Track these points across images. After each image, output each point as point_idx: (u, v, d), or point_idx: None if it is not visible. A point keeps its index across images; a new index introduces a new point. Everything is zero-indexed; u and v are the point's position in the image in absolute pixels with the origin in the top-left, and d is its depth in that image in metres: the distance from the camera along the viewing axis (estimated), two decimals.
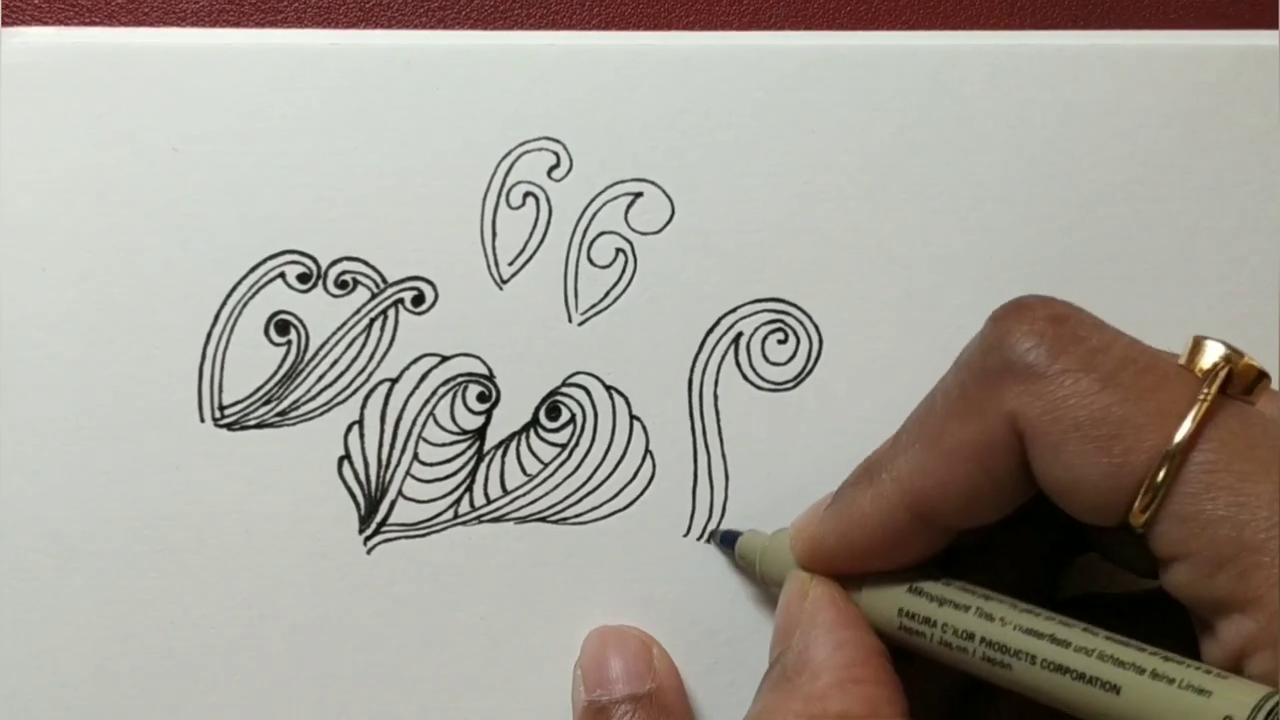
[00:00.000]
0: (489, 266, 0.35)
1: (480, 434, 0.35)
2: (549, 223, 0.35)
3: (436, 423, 0.35)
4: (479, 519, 0.34)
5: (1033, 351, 0.26)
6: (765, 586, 0.33)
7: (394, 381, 0.35)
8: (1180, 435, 0.24)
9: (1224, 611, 0.24)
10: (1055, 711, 0.26)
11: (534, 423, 0.35)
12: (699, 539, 0.35)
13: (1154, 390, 0.25)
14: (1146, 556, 0.26)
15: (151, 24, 0.38)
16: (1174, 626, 0.26)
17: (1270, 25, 0.38)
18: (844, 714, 0.27)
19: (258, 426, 0.34)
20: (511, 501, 0.35)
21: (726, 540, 0.34)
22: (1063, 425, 0.25)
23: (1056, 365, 0.25)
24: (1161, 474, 0.24)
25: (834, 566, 0.30)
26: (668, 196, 0.35)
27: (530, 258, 0.35)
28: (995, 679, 0.27)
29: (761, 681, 0.29)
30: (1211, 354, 0.26)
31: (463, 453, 0.35)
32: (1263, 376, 0.26)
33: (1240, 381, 0.25)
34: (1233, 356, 0.25)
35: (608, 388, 0.35)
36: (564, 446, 0.35)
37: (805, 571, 0.30)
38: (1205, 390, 0.25)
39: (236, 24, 0.38)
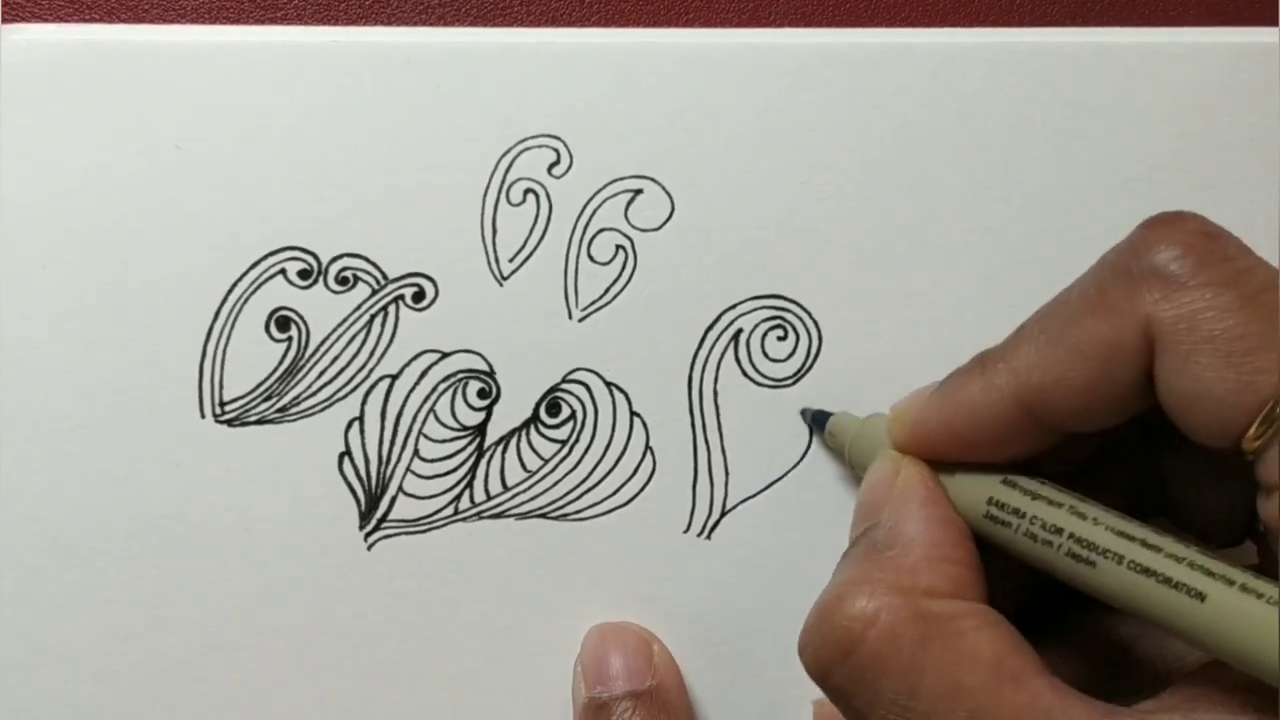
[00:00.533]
0: (489, 263, 0.35)
1: (481, 430, 0.35)
2: (549, 219, 0.35)
3: (437, 419, 0.35)
4: (479, 515, 0.35)
5: (1178, 261, 0.25)
6: (852, 469, 0.33)
7: (394, 378, 0.35)
8: None
9: None
10: (1113, 640, 0.26)
11: (534, 419, 0.35)
12: (699, 536, 0.35)
13: None
14: (1224, 508, 0.26)
15: (152, 21, 0.38)
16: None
17: (1270, 22, 0.38)
18: (932, 589, 0.26)
19: (258, 423, 0.34)
20: (512, 498, 0.35)
21: (818, 421, 0.34)
22: (1197, 335, 0.25)
23: (1200, 277, 0.25)
24: None
25: (931, 451, 0.29)
26: (668, 193, 0.35)
27: (530, 254, 0.35)
28: (1076, 579, 0.26)
29: (844, 555, 0.29)
30: None
31: (463, 449, 0.35)
32: None
33: None
34: None
35: (608, 384, 0.35)
36: (564, 443, 0.35)
37: (897, 453, 0.30)
38: None
39: (237, 21, 0.38)
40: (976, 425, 0.28)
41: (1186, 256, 0.26)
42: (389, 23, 0.39)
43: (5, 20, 0.37)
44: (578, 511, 0.35)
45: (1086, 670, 0.30)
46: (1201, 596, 0.24)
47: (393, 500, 0.34)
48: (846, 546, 0.29)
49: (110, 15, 0.38)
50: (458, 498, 0.35)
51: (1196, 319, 0.25)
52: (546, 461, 0.35)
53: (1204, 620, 0.24)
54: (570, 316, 0.35)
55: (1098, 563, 0.26)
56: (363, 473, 0.34)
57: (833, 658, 0.26)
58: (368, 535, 0.34)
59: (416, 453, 0.35)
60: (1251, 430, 0.24)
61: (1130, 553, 0.25)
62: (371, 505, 0.34)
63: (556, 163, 0.35)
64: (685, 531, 0.35)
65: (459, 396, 0.35)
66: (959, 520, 0.28)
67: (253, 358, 0.35)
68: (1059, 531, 0.27)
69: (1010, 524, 0.27)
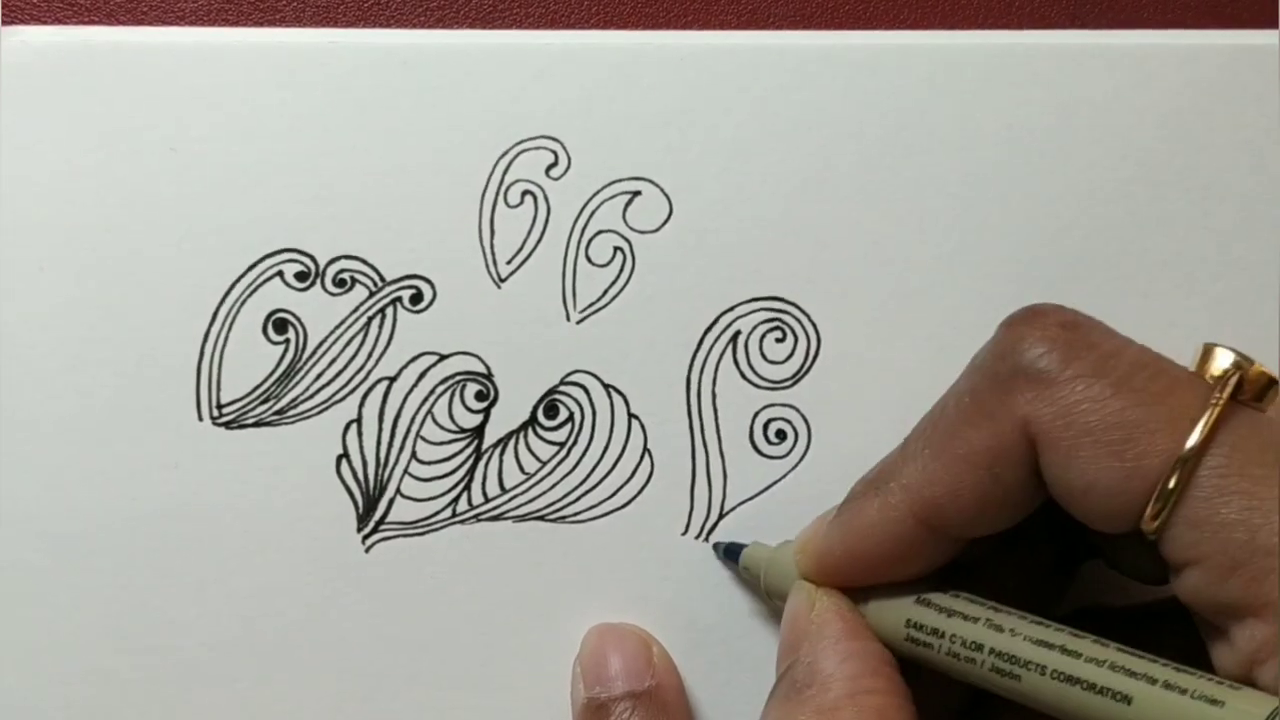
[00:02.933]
0: (487, 265, 0.35)
1: (478, 432, 0.35)
2: (547, 221, 0.35)
3: (435, 421, 0.35)
4: (477, 517, 0.34)
5: (1045, 357, 0.26)
6: (769, 600, 0.33)
7: (392, 380, 0.35)
8: (1193, 440, 0.24)
9: (1236, 616, 0.24)
10: None
11: (532, 421, 0.35)
12: (697, 537, 0.35)
13: (1166, 395, 0.25)
14: (1153, 564, 0.26)
15: (150, 23, 0.38)
16: (1180, 638, 0.26)
17: (1269, 24, 0.38)
18: None
19: (256, 425, 0.34)
20: (510, 500, 0.35)
21: (730, 554, 0.34)
22: (1075, 430, 0.25)
23: (1069, 371, 0.25)
24: (1174, 479, 0.24)
25: (840, 578, 0.29)
26: (666, 195, 0.35)
27: (528, 256, 0.35)
28: (1004, 691, 0.27)
29: (770, 696, 0.29)
30: (1222, 361, 0.26)
31: (461, 451, 0.35)
32: (1273, 383, 0.26)
33: (1251, 388, 0.25)
34: (1243, 363, 0.26)
35: (606, 386, 0.35)
36: (562, 445, 0.35)
37: (810, 584, 0.30)
38: (1217, 395, 0.25)
39: (235, 23, 0.38)
40: (878, 547, 0.28)
41: (1052, 351, 0.26)
42: (387, 24, 0.39)
43: (4, 22, 0.37)
44: (576, 514, 0.35)
45: None
46: (1128, 700, 0.24)
47: (390, 502, 0.34)
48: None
49: (109, 17, 0.38)
50: (456, 500, 0.35)
51: (1072, 413, 0.25)
52: (544, 464, 0.35)
53: None
54: (568, 318, 0.35)
55: (1022, 676, 0.26)
56: (360, 475, 0.34)
57: None
58: (365, 537, 0.34)
59: (414, 455, 0.35)
60: (1149, 510, 0.24)
61: (1051, 661, 0.26)
62: (369, 507, 0.34)
63: (554, 164, 0.35)
64: (683, 533, 0.35)
65: (457, 399, 0.35)
66: (878, 648, 0.28)
67: (250, 360, 0.35)
68: (979, 648, 0.27)
69: (931, 644, 0.28)
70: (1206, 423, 0.24)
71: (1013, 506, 0.27)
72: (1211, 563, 0.24)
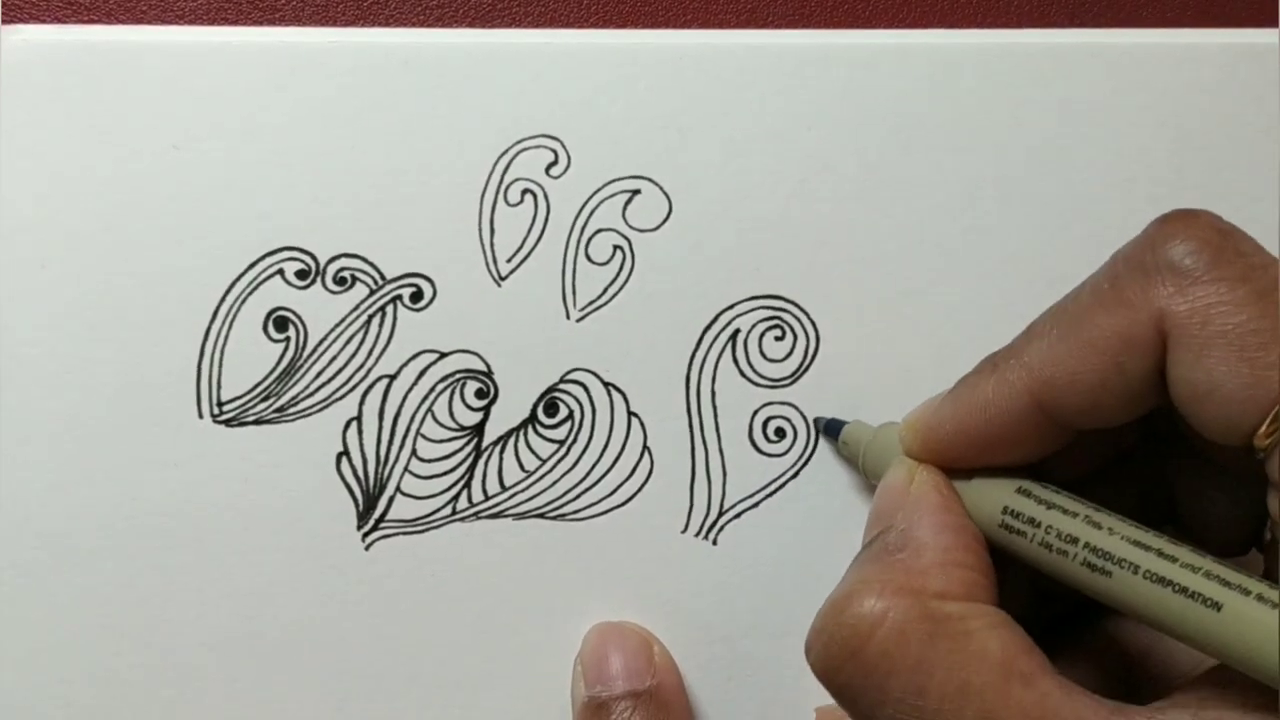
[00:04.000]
0: (487, 263, 0.35)
1: (478, 430, 0.35)
2: (547, 220, 0.35)
3: (435, 419, 0.35)
4: (477, 515, 0.35)
5: (1193, 256, 0.26)
6: (867, 477, 0.33)
7: (392, 378, 0.35)
8: None
9: None
10: (1122, 652, 0.25)
11: (532, 419, 0.35)
12: (697, 535, 0.35)
13: None
14: (1232, 515, 0.26)
15: (150, 22, 0.38)
16: None
17: (1269, 24, 0.38)
18: (943, 592, 0.26)
19: (256, 423, 0.34)
20: (510, 498, 0.35)
21: (831, 430, 0.34)
22: (1210, 330, 0.25)
23: (1214, 272, 0.25)
24: None
25: (945, 455, 0.29)
26: (665, 194, 0.35)
27: (528, 255, 0.35)
28: (1092, 588, 0.26)
29: (857, 557, 0.29)
30: None
31: (461, 449, 0.35)
32: None
33: None
34: None
35: (606, 384, 0.35)
36: (562, 443, 0.35)
37: (911, 460, 0.30)
38: None
39: (235, 22, 0.38)
40: (990, 425, 0.28)
41: (1201, 252, 0.26)
42: (387, 24, 0.39)
43: (4, 21, 0.37)
44: (575, 511, 0.35)
45: (1100, 675, 0.30)
46: (1218, 606, 0.24)
47: (391, 500, 0.34)
48: (858, 550, 0.29)
49: (109, 16, 0.38)
50: (456, 498, 0.35)
51: (1210, 314, 0.25)
52: (544, 461, 0.35)
53: (1219, 629, 0.24)
54: (568, 317, 0.35)
55: (1113, 572, 0.26)
56: (360, 473, 0.34)
57: (840, 656, 0.26)
58: (366, 535, 0.34)
59: (414, 453, 0.35)
60: (1263, 428, 0.24)
61: (1146, 562, 0.25)
62: (369, 505, 0.34)
63: (554, 163, 0.35)
64: (683, 531, 0.35)
65: (457, 396, 0.35)
66: (972, 526, 0.28)
67: (251, 358, 0.35)
68: (1074, 541, 0.27)
69: (1025, 533, 0.27)
70: None
71: (1130, 402, 0.27)
72: None
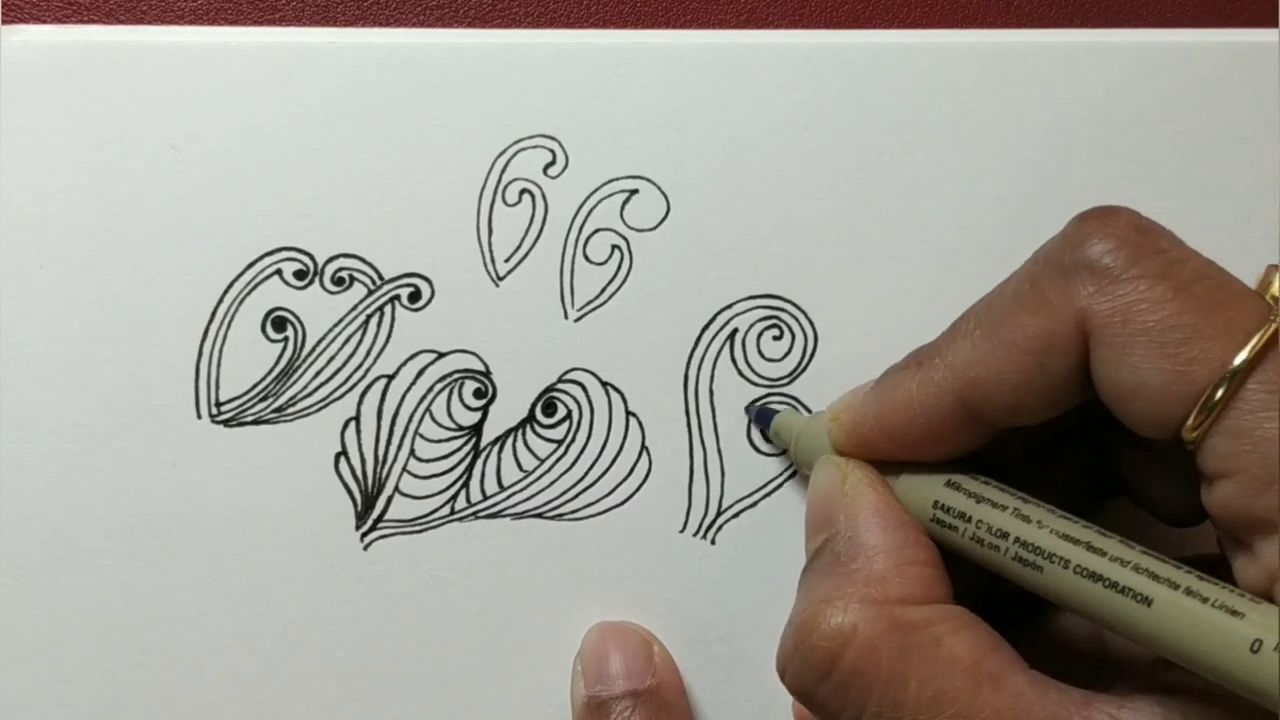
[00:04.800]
0: (485, 263, 0.35)
1: (477, 430, 0.35)
2: (545, 220, 0.35)
3: (433, 419, 0.35)
4: (475, 515, 0.35)
5: (1111, 254, 0.26)
6: (799, 467, 0.33)
7: (391, 378, 0.35)
8: (1246, 352, 0.24)
9: (1264, 532, 0.24)
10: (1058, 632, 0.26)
11: (530, 419, 0.35)
12: (695, 535, 0.35)
13: (1225, 306, 0.25)
14: (1181, 498, 0.26)
15: (150, 22, 0.38)
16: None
17: (1269, 24, 0.38)
18: (904, 597, 0.27)
19: (254, 423, 0.35)
20: (508, 498, 0.35)
21: (762, 418, 0.34)
22: (1131, 328, 0.25)
23: (1134, 270, 0.25)
24: (1222, 389, 0.24)
25: (871, 451, 0.29)
26: (663, 194, 0.35)
27: (526, 255, 0.35)
28: (1024, 581, 0.26)
29: (806, 571, 0.29)
30: None
31: (459, 449, 0.35)
32: None
33: None
34: None
35: (604, 384, 0.35)
36: (560, 443, 0.35)
37: (840, 456, 0.30)
38: (1275, 313, 0.25)
39: (234, 22, 0.38)
40: (914, 422, 0.28)
41: (1119, 250, 0.26)
42: (386, 24, 0.39)
43: (4, 21, 0.37)
44: (574, 511, 0.35)
45: (1066, 653, 0.30)
46: (1148, 601, 0.24)
47: (389, 500, 0.34)
48: (805, 561, 0.29)
49: (108, 17, 0.38)
50: (454, 498, 0.35)
51: (1131, 311, 0.25)
52: (543, 461, 0.35)
53: (1151, 624, 0.24)
54: (566, 316, 0.35)
55: (1044, 567, 0.26)
56: (359, 473, 0.34)
57: (813, 677, 0.27)
58: (364, 535, 0.34)
59: (413, 453, 0.35)
60: (1190, 420, 0.24)
61: (1076, 557, 0.25)
62: (368, 505, 0.34)
63: (552, 163, 0.35)
64: (681, 531, 0.35)
65: (455, 396, 0.35)
66: (914, 522, 0.28)
67: (249, 358, 0.35)
68: (1004, 536, 0.27)
69: (956, 528, 0.28)
70: (1261, 337, 0.24)
71: (1053, 400, 0.27)
72: (1248, 475, 0.24)
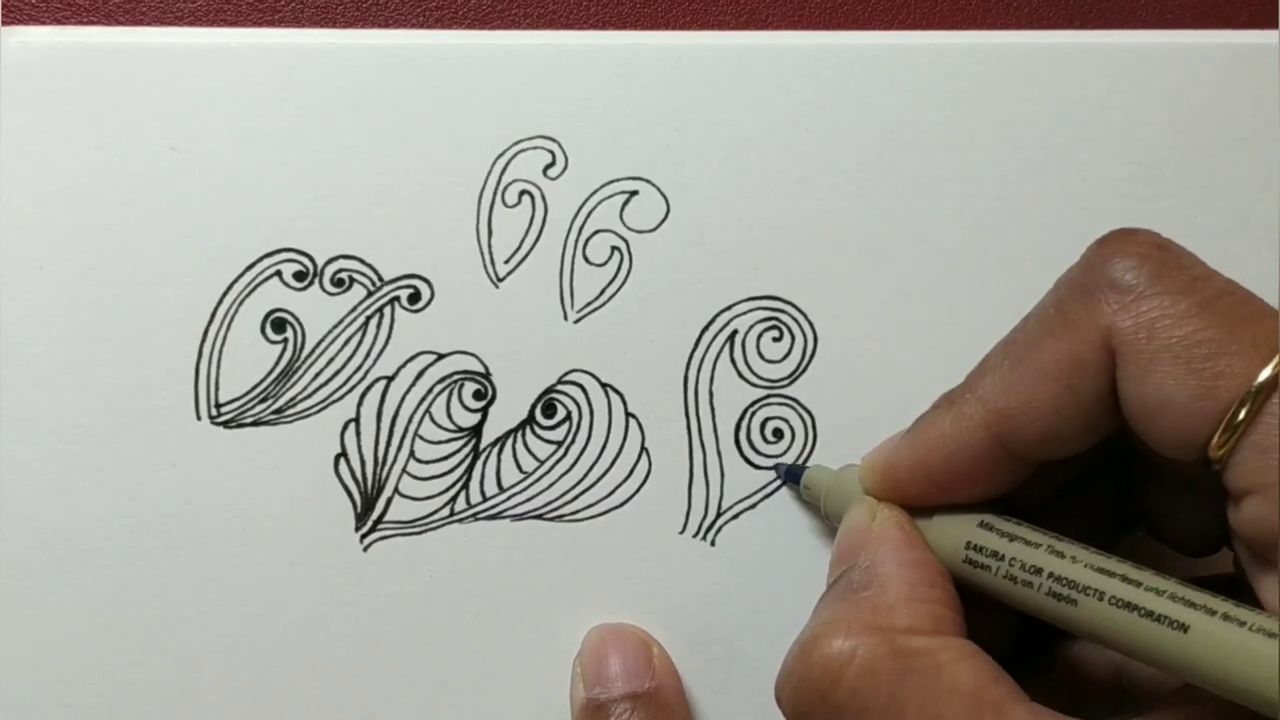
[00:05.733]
0: (485, 265, 0.35)
1: (476, 431, 0.35)
2: (544, 221, 0.35)
3: (433, 420, 0.35)
4: (475, 516, 0.35)
5: (1134, 272, 0.26)
6: (828, 520, 0.33)
7: (390, 379, 0.35)
8: (1271, 367, 0.24)
9: None
10: (1091, 678, 0.25)
11: (530, 420, 0.35)
12: (695, 536, 0.35)
13: (1249, 322, 0.25)
14: (1201, 528, 0.26)
15: (150, 23, 0.38)
16: None
17: (1269, 25, 0.38)
18: (911, 628, 0.26)
19: (254, 424, 0.35)
20: (508, 499, 0.35)
21: (793, 475, 0.34)
22: (1156, 344, 0.25)
23: (1157, 286, 0.25)
24: (1247, 405, 0.24)
25: (905, 494, 0.29)
26: (663, 195, 0.35)
27: (526, 256, 0.35)
28: (1058, 617, 0.26)
29: (822, 597, 0.29)
30: None
31: (459, 450, 0.35)
32: None
33: None
34: None
35: (603, 385, 0.35)
36: (560, 444, 0.35)
37: (872, 499, 0.30)
38: None
39: (234, 24, 0.38)
40: (949, 461, 0.28)
41: (1142, 267, 0.26)
42: (385, 25, 0.39)
43: (4, 22, 0.37)
44: (573, 513, 0.35)
45: (1071, 694, 0.30)
46: (1184, 628, 0.24)
47: (389, 502, 0.34)
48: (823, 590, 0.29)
49: (108, 18, 0.38)
50: (454, 499, 0.35)
51: (1155, 327, 0.25)
52: (542, 463, 0.35)
53: (1188, 651, 0.24)
54: (566, 318, 0.35)
55: (1079, 601, 0.26)
56: (359, 474, 0.34)
57: (811, 698, 0.27)
58: (364, 537, 0.34)
59: (412, 454, 0.35)
60: (1215, 438, 0.24)
61: (1111, 588, 0.25)
62: (367, 507, 0.34)
63: (552, 164, 0.35)
64: (681, 532, 0.35)
65: (455, 398, 0.35)
66: (935, 561, 0.28)
67: (249, 359, 0.35)
68: (1038, 571, 0.27)
69: (989, 567, 0.28)
70: None
71: (1084, 427, 0.27)
72: (1275, 490, 0.24)
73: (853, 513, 0.30)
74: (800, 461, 0.35)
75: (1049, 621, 0.27)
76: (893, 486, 0.29)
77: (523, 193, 0.35)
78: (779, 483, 0.35)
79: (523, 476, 0.35)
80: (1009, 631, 0.30)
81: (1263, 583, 0.25)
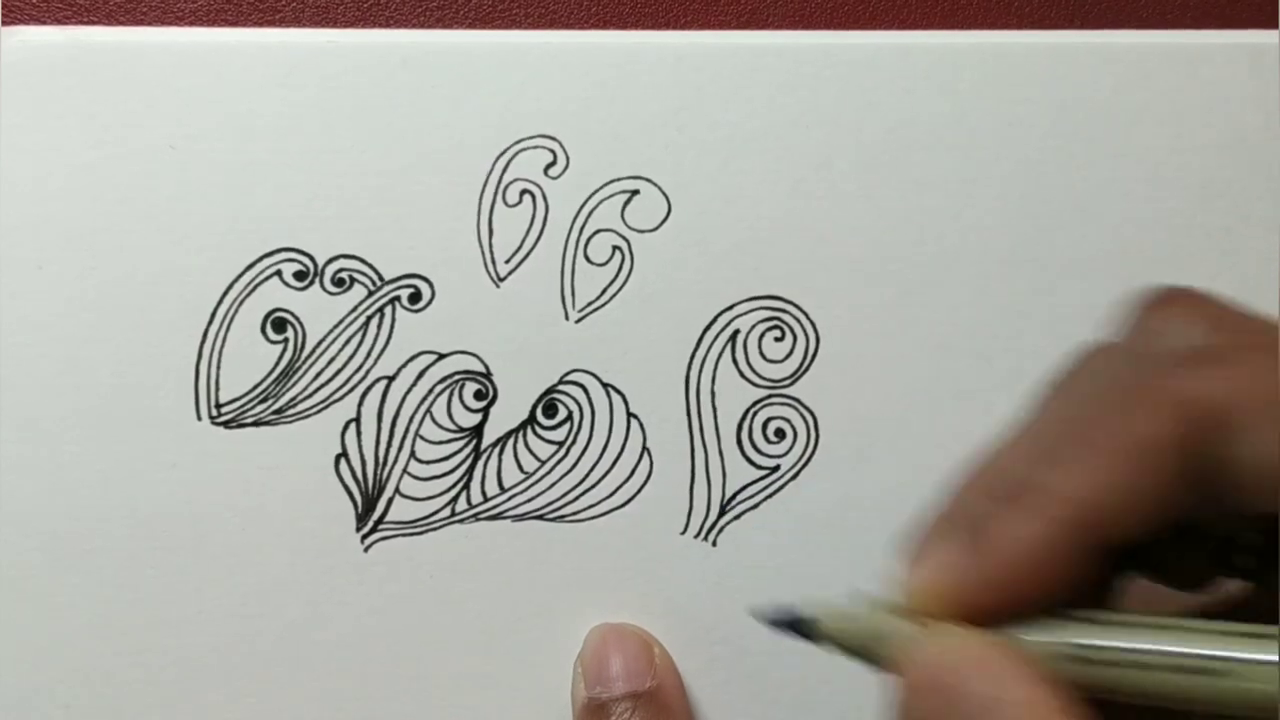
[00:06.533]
0: (486, 264, 0.35)
1: (477, 432, 0.35)
2: (545, 220, 0.35)
3: (434, 420, 0.35)
4: (476, 517, 0.34)
5: (1210, 335, 0.24)
6: (849, 654, 0.26)
7: (391, 379, 0.35)
8: None
9: None
10: None
11: (531, 420, 0.35)
12: (696, 536, 0.35)
13: None
14: (1199, 557, 0.26)
15: (150, 23, 0.38)
16: None
17: (1269, 25, 0.38)
18: None
19: (254, 424, 0.34)
20: (509, 499, 0.35)
21: (797, 629, 0.27)
22: (1254, 405, 0.24)
23: (1235, 348, 0.24)
24: None
25: (973, 614, 0.25)
26: (664, 194, 0.35)
27: (527, 255, 0.35)
28: (1195, 694, 0.23)
29: None
30: None
31: (460, 450, 0.35)
32: None
33: None
34: None
35: (605, 385, 0.35)
36: (561, 444, 0.35)
37: (959, 628, 0.25)
38: None
39: (234, 23, 0.38)
40: (1036, 567, 0.25)
41: (1214, 330, 0.25)
42: (386, 24, 0.39)
43: (4, 22, 0.37)
44: (575, 513, 0.35)
45: None
46: None
47: (389, 502, 0.34)
48: None
49: (108, 18, 0.38)
50: (455, 499, 0.35)
51: (1250, 389, 0.24)
52: (543, 463, 0.35)
53: None
54: (567, 318, 0.35)
55: (1222, 670, 0.23)
56: (359, 474, 0.34)
57: None
58: (364, 537, 0.34)
59: (413, 454, 0.35)
60: None
61: (1247, 650, 0.23)
62: (368, 507, 0.34)
63: (553, 163, 0.35)
64: (682, 533, 0.35)
65: (456, 398, 0.35)
66: (1059, 694, 0.24)
67: (249, 359, 0.35)
68: (1163, 653, 0.24)
69: (1105, 662, 0.24)
70: None
71: (1171, 503, 0.25)
72: None
73: (935, 654, 0.25)
74: (798, 617, 0.28)
75: (1180, 706, 0.24)
76: (962, 609, 0.25)
77: (524, 192, 0.35)
78: (779, 483, 0.35)
79: (524, 477, 0.35)
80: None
81: None
